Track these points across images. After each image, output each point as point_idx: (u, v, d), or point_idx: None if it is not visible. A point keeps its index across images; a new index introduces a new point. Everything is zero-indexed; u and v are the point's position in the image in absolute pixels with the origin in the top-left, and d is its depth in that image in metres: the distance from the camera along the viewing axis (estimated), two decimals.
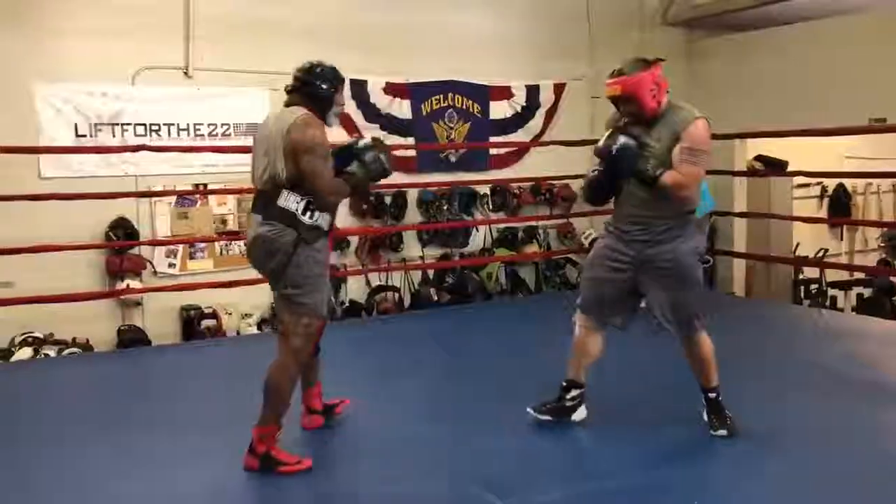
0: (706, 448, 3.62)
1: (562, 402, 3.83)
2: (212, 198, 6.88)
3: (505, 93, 8.28)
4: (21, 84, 6.11)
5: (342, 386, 4.58)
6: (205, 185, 6.79)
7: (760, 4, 8.23)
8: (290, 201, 3.33)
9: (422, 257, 7.89)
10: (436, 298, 7.66)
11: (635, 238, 3.59)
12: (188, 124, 6.77)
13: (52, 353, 5.77)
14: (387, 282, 7.66)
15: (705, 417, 3.73)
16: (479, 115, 8.16)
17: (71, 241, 5.92)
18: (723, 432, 3.65)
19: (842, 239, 10.91)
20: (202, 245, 6.88)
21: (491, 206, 8.20)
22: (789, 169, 8.77)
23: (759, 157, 9.11)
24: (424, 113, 7.87)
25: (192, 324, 6.61)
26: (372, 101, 7.52)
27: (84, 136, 6.36)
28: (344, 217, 7.35)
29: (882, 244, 10.72)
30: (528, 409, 3.81)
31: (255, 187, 3.48)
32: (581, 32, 8.39)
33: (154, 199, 6.62)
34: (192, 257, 6.86)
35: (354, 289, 7.52)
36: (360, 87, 7.41)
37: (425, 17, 7.63)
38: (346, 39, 7.03)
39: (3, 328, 5.90)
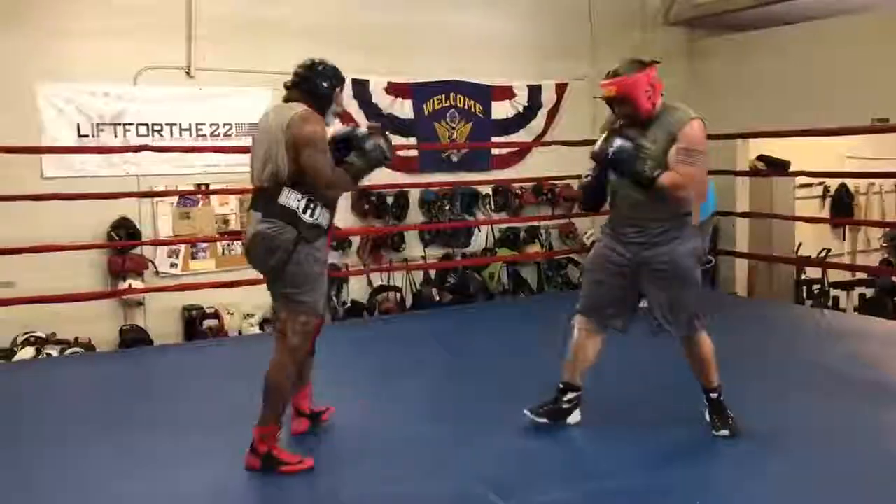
0: (708, 448, 3.61)
1: (558, 405, 3.83)
2: (214, 198, 6.89)
3: (507, 93, 8.27)
4: (23, 84, 6.12)
5: (344, 386, 4.59)
6: (207, 186, 6.80)
7: (762, 4, 8.22)
8: (291, 199, 3.32)
9: (424, 257, 7.89)
10: (438, 298, 7.66)
11: (632, 240, 3.59)
12: (190, 124, 6.78)
13: (54, 353, 5.78)
14: (389, 282, 7.67)
15: (707, 417, 3.73)
16: (481, 115, 8.15)
17: (73, 241, 5.93)
18: (725, 432, 3.65)
19: (844, 239, 10.90)
20: (204, 245, 6.88)
21: (493, 207, 8.20)
22: (791, 169, 8.77)
23: (761, 157, 9.10)
24: (426, 113, 7.87)
25: (194, 324, 6.62)
26: (374, 100, 7.52)
27: (86, 136, 6.37)
28: (346, 217, 7.36)
29: (884, 244, 10.72)
30: (525, 412, 3.80)
31: (254, 185, 3.46)
32: (583, 32, 8.38)
33: (156, 199, 6.63)
34: (193, 257, 6.87)
35: (356, 289, 7.52)
36: (361, 87, 7.41)
37: (427, 17, 7.63)
38: (349, 39, 7.03)
39: (6, 328, 5.91)
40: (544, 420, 3.80)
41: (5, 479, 3.44)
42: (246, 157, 3.53)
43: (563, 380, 3.83)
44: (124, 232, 6.42)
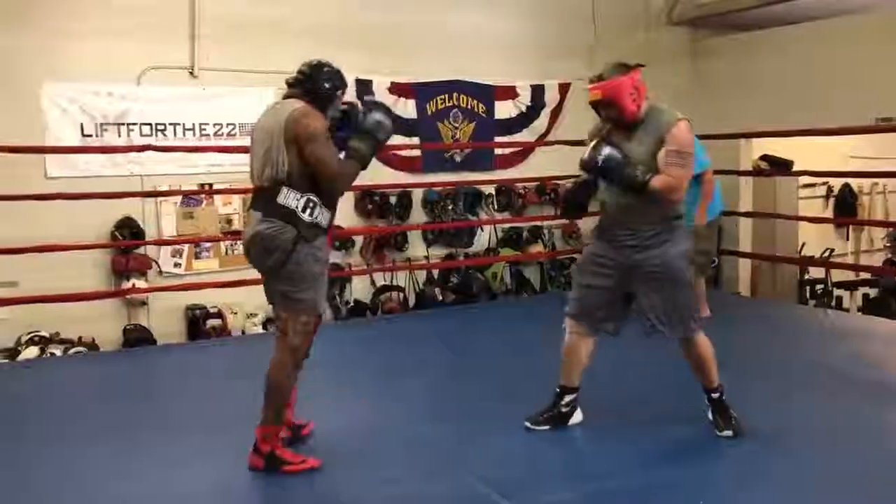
0: (710, 448, 3.61)
1: (557, 409, 3.83)
2: (217, 197, 6.90)
3: (510, 93, 8.27)
4: (27, 84, 6.13)
5: (347, 385, 4.60)
6: (210, 185, 6.81)
7: (765, 4, 8.21)
8: (289, 198, 3.30)
9: (427, 257, 7.90)
10: (440, 298, 7.67)
11: (624, 243, 3.60)
12: (194, 124, 6.78)
13: (58, 353, 5.80)
14: (392, 281, 7.67)
15: (710, 417, 3.73)
16: (484, 114, 8.15)
17: (77, 241, 5.93)
18: (728, 433, 3.64)
19: (847, 239, 10.88)
20: (207, 245, 6.89)
21: (496, 206, 8.20)
22: (795, 169, 8.76)
23: (764, 157, 9.09)
24: (429, 113, 7.87)
25: (198, 323, 6.63)
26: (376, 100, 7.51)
27: (90, 135, 6.38)
28: (349, 217, 7.37)
29: (888, 244, 10.70)
30: (526, 423, 3.80)
31: (253, 184, 3.45)
32: (586, 32, 8.38)
33: (159, 198, 6.63)
34: (197, 257, 6.88)
35: (359, 288, 7.53)
36: (364, 87, 7.40)
37: (431, 17, 7.63)
38: (352, 39, 7.04)
39: (10, 327, 5.93)
40: (545, 427, 3.80)
41: (9, 478, 3.45)
42: (248, 157, 3.53)
43: (559, 383, 3.84)
44: (128, 232, 6.43)
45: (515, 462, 3.51)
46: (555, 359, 3.90)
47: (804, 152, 8.59)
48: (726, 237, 8.44)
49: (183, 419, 4.11)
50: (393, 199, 7.61)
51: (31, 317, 5.92)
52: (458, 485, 3.27)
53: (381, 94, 7.55)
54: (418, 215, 7.81)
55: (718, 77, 8.91)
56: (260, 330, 6.65)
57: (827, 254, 9.53)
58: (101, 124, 6.42)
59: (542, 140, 8.33)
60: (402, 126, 7.64)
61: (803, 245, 9.28)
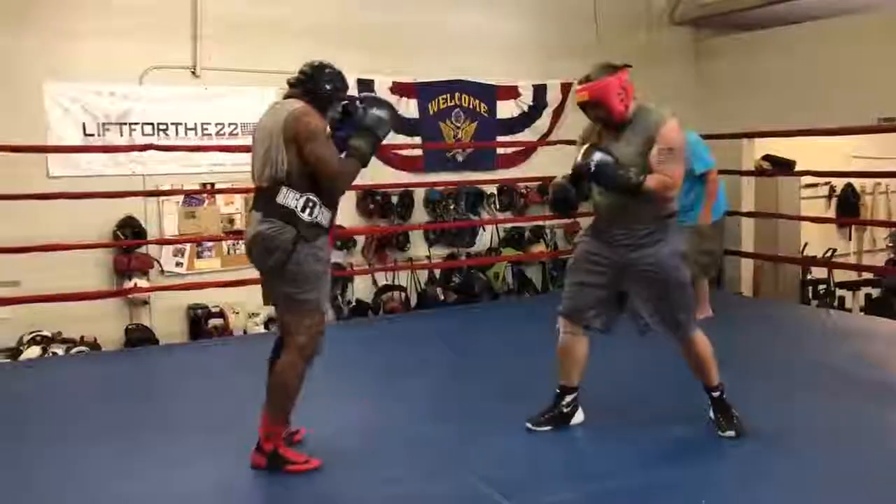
0: (712, 448, 3.60)
1: (559, 410, 3.82)
2: (219, 197, 6.90)
3: (512, 92, 8.27)
4: (29, 83, 6.13)
5: (349, 385, 4.60)
6: (212, 185, 6.81)
7: (768, 4, 8.20)
8: (288, 198, 3.30)
9: (428, 257, 7.90)
10: (442, 298, 7.67)
11: (619, 242, 3.59)
12: (196, 124, 6.79)
13: (59, 352, 5.80)
14: (393, 281, 7.67)
15: (711, 416, 3.73)
16: (485, 114, 8.15)
17: (79, 241, 5.94)
18: (731, 433, 3.63)
19: (850, 239, 10.87)
20: (209, 244, 6.90)
21: (498, 206, 8.20)
22: (797, 169, 8.75)
23: (766, 157, 9.09)
24: (431, 112, 7.87)
25: (200, 323, 6.63)
26: None
27: (92, 135, 6.38)
28: (351, 216, 7.37)
29: (890, 244, 10.69)
30: (527, 424, 3.79)
31: (254, 184, 3.45)
32: (588, 32, 8.37)
33: (161, 198, 6.64)
34: (199, 256, 6.88)
35: (361, 288, 7.53)
36: (366, 87, 7.40)
37: (433, 17, 7.63)
38: (354, 39, 7.05)
39: (12, 327, 5.93)
40: (547, 428, 3.79)
41: (10, 477, 3.45)
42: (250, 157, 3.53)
43: (559, 383, 3.83)
44: (130, 231, 6.43)
45: (517, 462, 3.50)
46: (557, 359, 3.89)
47: (806, 152, 8.59)
48: (728, 237, 8.44)
49: (184, 419, 4.11)
50: (395, 199, 7.61)
51: (33, 316, 5.92)
52: (460, 485, 3.27)
53: (382, 93, 7.54)
54: (420, 215, 7.81)
55: (721, 77, 8.90)
56: (262, 329, 6.65)
57: (829, 254, 9.52)
58: (104, 124, 6.42)
59: (544, 140, 8.33)
60: (404, 126, 7.66)
61: (805, 245, 9.28)
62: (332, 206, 3.43)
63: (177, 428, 3.97)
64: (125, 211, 6.42)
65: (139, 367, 5.49)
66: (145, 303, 6.56)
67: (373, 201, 7.50)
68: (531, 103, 8.36)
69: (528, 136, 8.34)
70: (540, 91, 8.37)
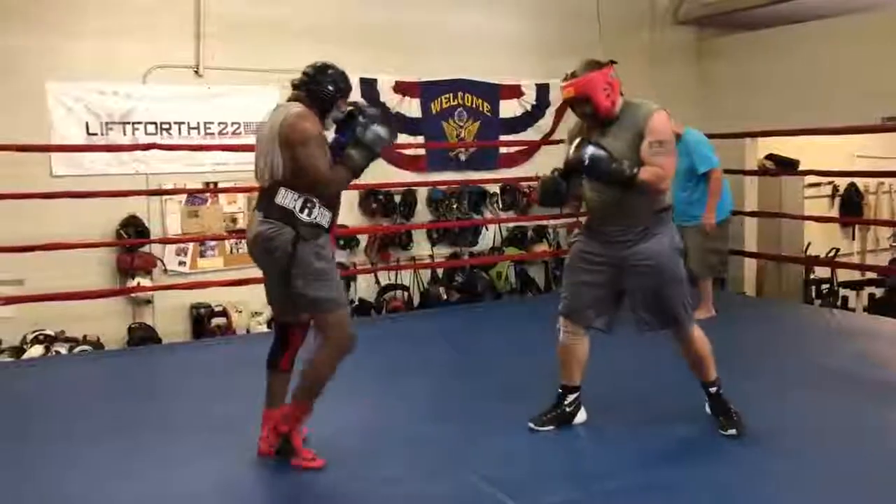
0: (714, 447, 3.59)
1: (561, 409, 3.82)
2: (222, 196, 6.91)
3: (515, 91, 8.27)
4: (33, 83, 6.14)
5: (351, 384, 4.58)
6: (215, 184, 6.81)
7: (771, 3, 8.18)
8: (287, 199, 3.30)
9: (431, 256, 7.90)
10: (445, 297, 7.67)
11: (614, 239, 3.59)
12: (199, 123, 6.79)
13: (63, 351, 5.81)
14: (396, 280, 7.67)
15: (708, 411, 3.73)
16: (488, 113, 8.15)
17: (82, 239, 5.95)
18: (732, 431, 3.63)
19: (853, 238, 10.84)
20: (212, 243, 6.90)
21: (500, 205, 8.20)
22: (800, 168, 8.73)
23: (770, 156, 9.08)
24: (434, 111, 7.87)
25: (202, 322, 6.64)
26: (381, 99, 7.52)
27: (95, 134, 6.39)
28: (354, 215, 7.38)
29: (894, 244, 10.67)
30: (530, 424, 3.79)
31: (258, 185, 3.47)
32: (591, 31, 8.36)
33: (164, 197, 6.65)
34: (202, 255, 6.89)
35: (364, 287, 7.53)
36: (369, 86, 7.41)
37: (436, 16, 7.63)
38: (357, 37, 7.06)
39: (15, 325, 5.94)
40: (550, 427, 3.79)
41: (13, 476, 3.46)
42: (253, 156, 3.54)
43: (561, 383, 3.83)
44: (133, 230, 6.44)
45: (518, 462, 3.50)
46: (558, 359, 3.89)
47: (810, 151, 8.57)
48: (732, 237, 8.42)
49: (187, 418, 4.12)
50: (397, 198, 7.61)
51: (37, 315, 5.93)
52: (460, 484, 3.27)
53: (385, 92, 7.57)
54: (423, 214, 7.81)
55: (724, 76, 8.89)
56: (264, 328, 6.65)
57: (832, 253, 9.51)
58: (107, 123, 6.43)
59: (546, 139, 8.32)
60: (407, 125, 7.66)
61: (809, 244, 9.26)
62: (333, 206, 3.43)
63: (178, 427, 3.98)
64: (128, 210, 6.43)
65: (142, 366, 5.50)
66: (148, 302, 6.58)
67: (375, 200, 7.50)
68: (534, 102, 8.35)
69: (530, 135, 8.33)
70: (543, 90, 8.36)
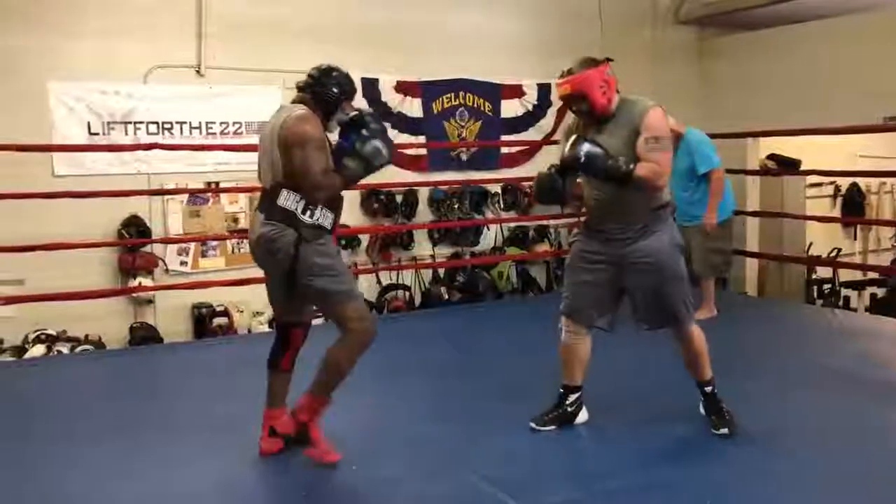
0: (714, 447, 3.59)
1: (563, 409, 3.82)
2: (223, 196, 6.91)
3: (516, 91, 8.27)
4: (34, 82, 6.15)
5: (352, 384, 4.58)
6: (217, 184, 6.82)
7: (772, 3, 8.18)
8: (289, 201, 3.30)
9: (432, 256, 7.90)
10: (446, 297, 7.67)
11: (613, 237, 3.59)
12: (200, 122, 6.80)
13: (64, 350, 5.82)
14: (397, 280, 7.67)
15: (702, 411, 3.73)
16: (490, 113, 8.15)
17: (84, 239, 5.96)
18: (724, 431, 3.62)
19: (855, 238, 10.83)
20: (214, 243, 6.91)
21: (502, 205, 8.20)
22: (802, 168, 8.72)
23: (771, 156, 9.06)
24: (435, 111, 7.87)
25: (204, 321, 6.64)
26: (383, 99, 7.53)
27: (97, 134, 6.40)
28: (356, 216, 7.38)
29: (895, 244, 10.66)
30: (531, 424, 3.79)
31: (261, 186, 3.47)
32: (593, 31, 8.36)
33: (166, 197, 6.66)
34: (203, 255, 6.89)
35: (365, 287, 7.51)
36: (371, 86, 7.41)
37: (437, 16, 7.64)
38: (358, 37, 7.06)
39: (17, 325, 5.95)
40: (552, 427, 3.79)
41: (14, 475, 3.47)
42: (255, 156, 3.54)
43: (562, 382, 3.83)
44: (135, 230, 6.45)
45: (518, 461, 3.50)
46: (560, 358, 3.89)
47: (812, 151, 8.57)
48: (734, 236, 8.42)
49: (188, 418, 4.12)
50: (399, 198, 7.61)
51: (38, 315, 5.93)
52: (461, 484, 3.27)
53: (387, 92, 7.57)
54: (424, 214, 7.82)
55: (725, 76, 8.88)
56: (266, 328, 6.66)
57: (834, 253, 9.50)
58: (108, 123, 6.44)
59: (548, 139, 8.31)
60: (408, 125, 7.67)
61: (810, 244, 9.25)
62: (335, 207, 3.43)
63: (180, 427, 3.98)
64: (130, 210, 6.44)
65: (143, 366, 5.50)
66: (150, 301, 6.58)
67: (377, 200, 7.50)
68: (535, 102, 8.35)
69: (532, 135, 8.33)
70: (544, 90, 8.35)
